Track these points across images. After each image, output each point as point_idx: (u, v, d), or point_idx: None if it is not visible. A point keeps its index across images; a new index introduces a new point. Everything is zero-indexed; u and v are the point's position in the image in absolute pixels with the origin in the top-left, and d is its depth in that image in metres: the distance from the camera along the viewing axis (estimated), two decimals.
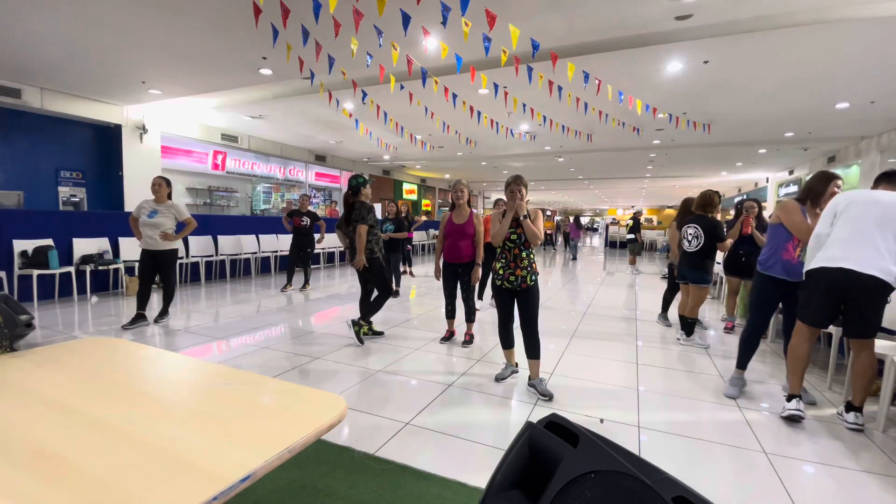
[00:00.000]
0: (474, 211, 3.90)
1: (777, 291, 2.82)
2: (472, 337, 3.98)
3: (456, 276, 3.93)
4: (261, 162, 12.00)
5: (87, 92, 7.12)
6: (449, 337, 4.04)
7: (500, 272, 2.90)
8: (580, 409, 2.66)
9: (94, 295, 5.89)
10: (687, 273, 4.04)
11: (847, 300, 2.38)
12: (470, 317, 4.01)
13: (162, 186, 4.39)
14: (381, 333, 4.18)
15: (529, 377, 2.95)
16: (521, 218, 2.76)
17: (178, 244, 4.59)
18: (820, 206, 2.72)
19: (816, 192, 2.75)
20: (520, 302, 2.91)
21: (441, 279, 4.00)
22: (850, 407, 2.48)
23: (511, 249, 2.86)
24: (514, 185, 2.78)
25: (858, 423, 2.41)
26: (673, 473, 0.95)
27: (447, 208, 4.01)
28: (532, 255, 2.90)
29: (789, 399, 2.53)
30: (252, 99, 7.44)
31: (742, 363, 2.95)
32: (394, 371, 3.24)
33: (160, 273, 4.55)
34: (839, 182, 2.73)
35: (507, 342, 3.08)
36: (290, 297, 6.09)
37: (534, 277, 2.85)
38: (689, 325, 4.12)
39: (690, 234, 4.02)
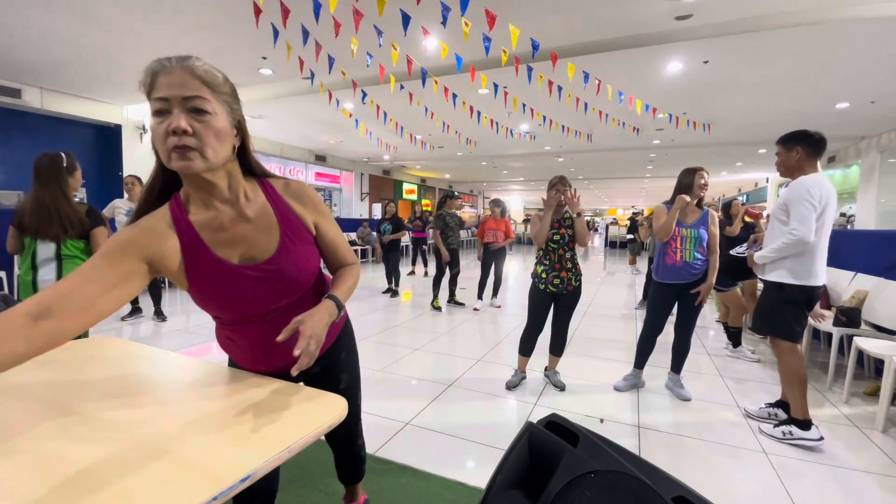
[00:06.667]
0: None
1: (672, 294, 2.83)
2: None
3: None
4: (261, 162, 11.98)
5: (87, 92, 7.12)
6: None
7: (543, 276, 2.81)
8: (580, 409, 2.66)
9: None
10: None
11: None
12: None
13: (136, 185, 4.44)
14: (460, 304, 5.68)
15: (546, 367, 3.06)
16: (576, 216, 2.74)
17: None
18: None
19: (686, 184, 2.76)
20: (560, 304, 2.86)
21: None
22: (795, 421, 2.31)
23: (555, 250, 2.79)
24: (561, 185, 2.74)
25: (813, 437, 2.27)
26: (673, 473, 0.95)
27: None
28: (576, 256, 2.84)
29: (808, 426, 2.27)
30: (252, 99, 7.43)
31: (640, 363, 2.98)
32: (393, 371, 3.24)
33: None
34: (703, 173, 2.74)
35: (528, 350, 2.97)
36: None
37: (579, 279, 2.81)
38: (732, 334, 3.88)
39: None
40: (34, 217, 2.19)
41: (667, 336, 3.12)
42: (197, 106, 0.79)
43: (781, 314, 2.33)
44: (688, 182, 2.75)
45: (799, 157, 2.32)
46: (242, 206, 0.93)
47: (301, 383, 1.05)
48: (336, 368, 1.21)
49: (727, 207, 5.05)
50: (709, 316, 5.45)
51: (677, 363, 2.95)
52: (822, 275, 2.28)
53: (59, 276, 2.24)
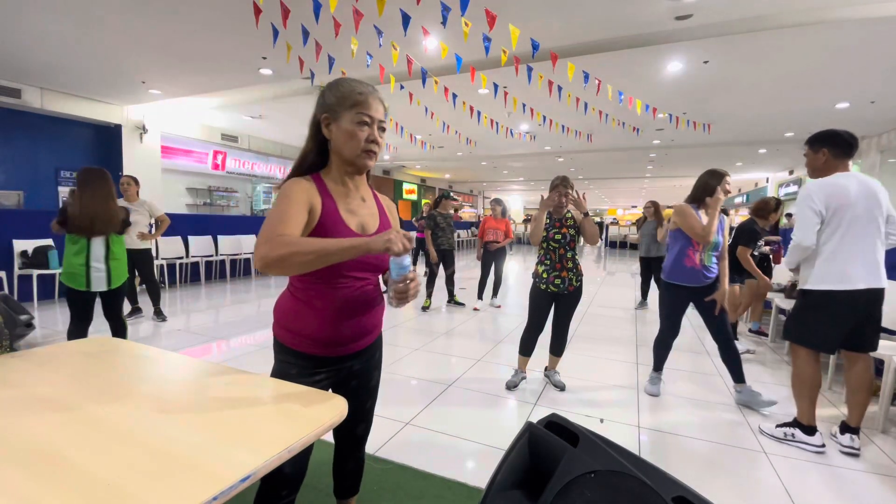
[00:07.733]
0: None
1: (686, 297, 2.81)
2: None
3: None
4: (261, 162, 12.00)
5: (87, 92, 7.12)
6: None
7: (544, 276, 2.80)
8: (580, 409, 2.66)
9: None
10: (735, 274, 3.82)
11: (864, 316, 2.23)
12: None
13: (131, 185, 4.48)
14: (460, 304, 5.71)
15: (546, 367, 3.06)
16: (583, 216, 2.73)
17: (150, 244, 4.68)
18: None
19: (711, 187, 2.70)
20: (560, 304, 2.85)
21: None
22: (845, 428, 2.28)
23: (556, 250, 2.78)
24: (563, 186, 2.73)
25: (854, 446, 2.20)
26: (673, 473, 0.95)
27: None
28: (577, 256, 2.82)
29: (812, 432, 2.26)
30: (252, 99, 7.43)
31: (658, 366, 2.98)
32: (394, 371, 3.24)
33: (140, 274, 4.60)
34: (729, 178, 2.71)
35: (528, 350, 2.95)
36: None
37: (580, 279, 2.80)
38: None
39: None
40: (87, 219, 2.70)
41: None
42: (383, 127, 1.17)
43: (801, 319, 2.28)
44: (714, 185, 2.70)
45: (826, 158, 2.24)
46: (362, 190, 1.26)
47: (305, 386, 1.05)
48: (372, 365, 1.40)
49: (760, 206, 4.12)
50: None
51: (736, 373, 2.79)
52: (859, 278, 2.11)
53: (108, 268, 2.82)
